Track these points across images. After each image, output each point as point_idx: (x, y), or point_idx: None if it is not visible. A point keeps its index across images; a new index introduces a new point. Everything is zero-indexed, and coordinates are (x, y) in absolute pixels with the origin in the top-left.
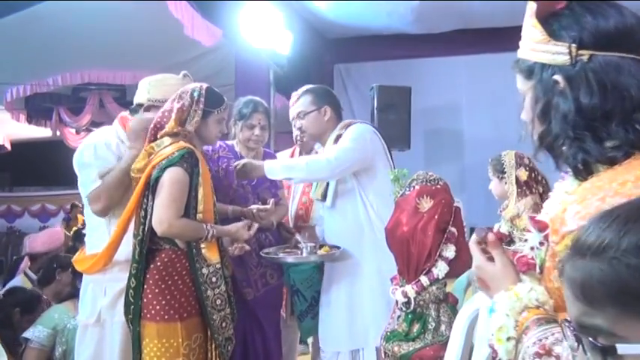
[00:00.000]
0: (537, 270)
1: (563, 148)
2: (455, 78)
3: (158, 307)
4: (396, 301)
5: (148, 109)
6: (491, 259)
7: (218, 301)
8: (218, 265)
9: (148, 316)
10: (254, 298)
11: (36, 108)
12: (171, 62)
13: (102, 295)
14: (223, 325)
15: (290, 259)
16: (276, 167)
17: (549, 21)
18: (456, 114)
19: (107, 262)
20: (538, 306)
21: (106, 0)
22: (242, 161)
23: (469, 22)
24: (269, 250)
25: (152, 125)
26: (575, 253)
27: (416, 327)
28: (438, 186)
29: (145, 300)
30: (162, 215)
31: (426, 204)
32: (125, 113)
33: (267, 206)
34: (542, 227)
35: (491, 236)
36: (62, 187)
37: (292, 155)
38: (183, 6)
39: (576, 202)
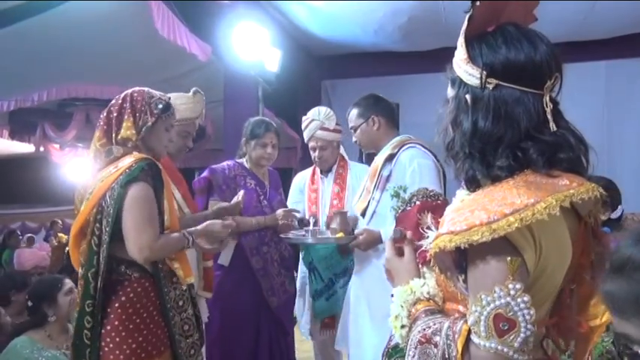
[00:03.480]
0: (432, 263)
1: (464, 160)
2: (441, 95)
3: (135, 346)
4: None
5: None
6: (401, 254)
7: (186, 327)
8: (189, 285)
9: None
10: (277, 306)
11: (20, 123)
12: (159, 78)
13: None
14: (192, 352)
15: (310, 239)
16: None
17: (473, 43)
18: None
19: None
20: (429, 298)
21: (103, 0)
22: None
23: (455, 40)
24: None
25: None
26: (609, 269)
27: None
28: (439, 202)
29: (112, 342)
30: (142, 241)
31: (427, 220)
32: None
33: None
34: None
35: (409, 234)
36: (43, 205)
37: (313, 174)
38: (174, 24)
39: (455, 210)
